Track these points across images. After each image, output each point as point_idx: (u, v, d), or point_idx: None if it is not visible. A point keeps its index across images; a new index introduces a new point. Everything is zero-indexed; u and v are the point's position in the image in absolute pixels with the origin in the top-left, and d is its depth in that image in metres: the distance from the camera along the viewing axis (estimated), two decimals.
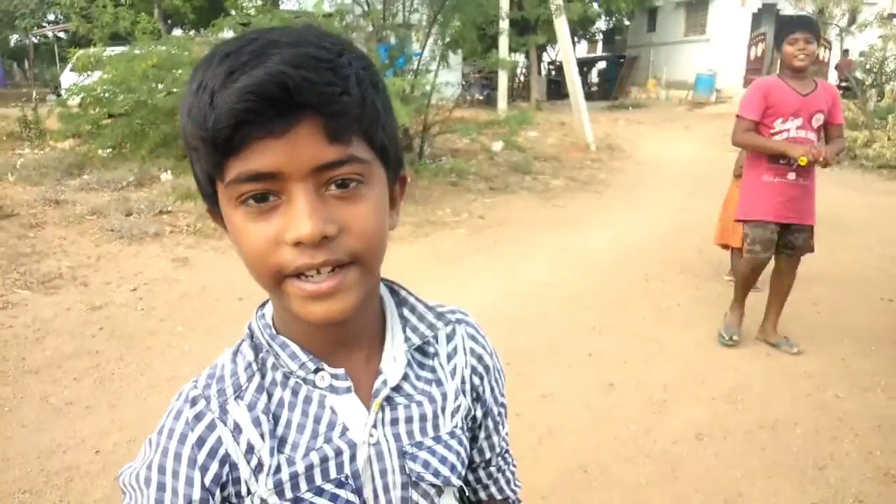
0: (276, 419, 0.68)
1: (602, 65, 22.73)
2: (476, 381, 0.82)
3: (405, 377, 0.74)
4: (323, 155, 0.58)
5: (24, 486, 2.58)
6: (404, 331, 0.76)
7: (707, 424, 3.08)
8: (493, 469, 0.89)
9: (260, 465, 0.66)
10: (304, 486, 0.67)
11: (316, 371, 0.69)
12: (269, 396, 0.68)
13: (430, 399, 0.75)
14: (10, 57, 31.42)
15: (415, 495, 0.74)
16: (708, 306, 4.51)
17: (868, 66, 13.01)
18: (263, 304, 0.74)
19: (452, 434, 0.77)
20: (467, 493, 0.89)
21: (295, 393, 0.69)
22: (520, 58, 16.33)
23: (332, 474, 0.69)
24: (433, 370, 0.77)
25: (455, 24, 8.29)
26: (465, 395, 0.80)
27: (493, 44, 11.62)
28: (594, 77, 22.84)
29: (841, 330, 4.15)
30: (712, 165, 10.37)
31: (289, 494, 0.67)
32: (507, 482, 0.91)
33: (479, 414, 0.84)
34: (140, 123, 7.89)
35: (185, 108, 0.60)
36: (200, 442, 0.65)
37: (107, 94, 7.93)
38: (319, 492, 0.68)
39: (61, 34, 22.11)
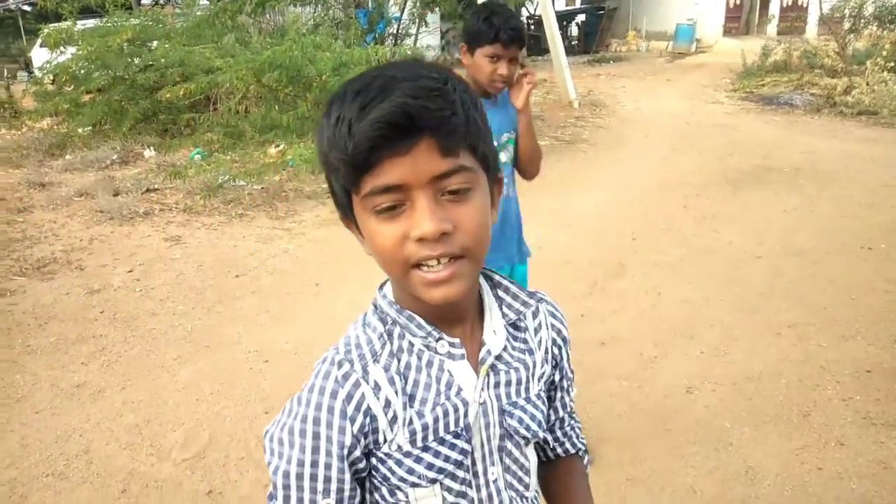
0: (405, 379, 0.81)
1: (581, 17, 22.40)
2: (555, 350, 0.96)
3: (504, 347, 0.88)
4: (438, 167, 0.71)
5: (47, 470, 2.66)
6: (500, 308, 0.90)
7: (696, 378, 3.21)
8: (567, 428, 1.04)
9: (395, 418, 0.79)
10: (431, 436, 0.81)
11: (437, 340, 0.82)
12: (398, 360, 0.82)
13: (524, 366, 0.90)
14: None
15: (509, 445, 0.89)
16: (695, 263, 4.64)
17: (847, 11, 13.01)
18: (382, 286, 0.88)
19: (538, 396, 0.92)
20: (549, 452, 1.04)
21: (419, 357, 0.82)
22: None
23: (452, 427, 0.82)
24: (525, 341, 0.91)
25: None
26: (547, 363, 0.94)
27: (471, 1, 11.48)
28: (574, 30, 22.56)
29: (823, 280, 4.29)
30: (694, 117, 10.44)
31: (419, 443, 0.81)
32: (577, 437, 1.06)
33: (556, 378, 0.99)
34: (119, 100, 7.80)
35: (325, 138, 0.74)
36: (349, 397, 0.77)
37: (82, 71, 7.81)
38: (442, 441, 0.82)
39: (26, 7, 21.45)
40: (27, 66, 14.49)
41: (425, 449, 0.81)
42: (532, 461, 0.93)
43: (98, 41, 7.41)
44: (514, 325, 0.91)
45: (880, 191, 6.22)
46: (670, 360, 3.39)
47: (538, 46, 19.66)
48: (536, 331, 0.93)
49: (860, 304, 3.93)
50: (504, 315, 0.90)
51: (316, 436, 0.76)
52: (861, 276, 4.34)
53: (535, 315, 0.94)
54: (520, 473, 0.91)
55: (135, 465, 2.69)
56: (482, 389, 0.85)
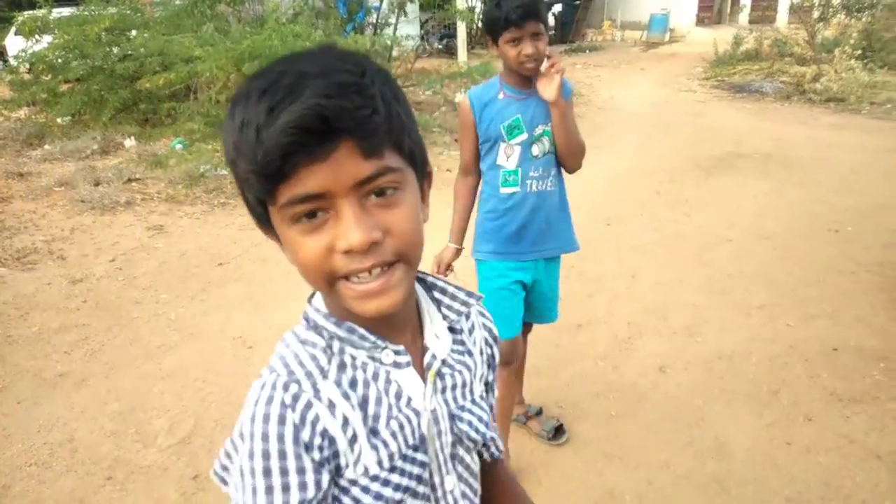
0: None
1: (558, 7, 22.47)
2: (489, 350, 0.93)
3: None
4: (361, 171, 0.64)
5: (30, 460, 2.66)
6: (440, 310, 0.85)
7: (669, 357, 3.31)
8: (493, 431, 1.01)
9: (354, 436, 0.72)
10: (396, 454, 0.76)
11: (382, 350, 0.76)
12: (346, 375, 0.75)
13: (466, 368, 0.85)
14: None
15: (460, 451, 0.84)
16: (668, 247, 4.74)
17: (816, 0, 13.19)
18: (311, 297, 0.81)
19: (482, 397, 0.89)
20: (485, 454, 0.97)
21: (364, 371, 0.76)
22: (477, 4, 16.10)
23: (410, 440, 0.77)
24: (462, 343, 0.87)
25: None
26: (483, 363, 0.91)
27: None
28: (551, 21, 22.62)
29: (792, 262, 4.41)
30: (667, 105, 10.56)
31: (387, 464, 0.75)
32: (500, 439, 0.99)
33: (490, 378, 0.94)
34: (98, 89, 7.70)
35: (231, 144, 0.66)
36: (302, 420, 0.69)
37: (60, 60, 7.70)
38: (404, 458, 0.76)
39: None
40: (1, 54, 14.18)
41: (392, 469, 0.75)
42: (478, 465, 0.90)
43: (75, 30, 7.31)
44: (451, 328, 0.86)
45: (847, 176, 6.37)
46: (644, 341, 3.48)
47: None
48: (471, 331, 0.89)
49: (827, 285, 4.05)
50: (444, 317, 0.84)
51: (267, 472, 0.67)
52: (828, 258, 4.46)
53: (467, 316, 0.89)
54: (471, 480, 0.87)
55: (120, 452, 2.70)
56: (431, 396, 0.79)
